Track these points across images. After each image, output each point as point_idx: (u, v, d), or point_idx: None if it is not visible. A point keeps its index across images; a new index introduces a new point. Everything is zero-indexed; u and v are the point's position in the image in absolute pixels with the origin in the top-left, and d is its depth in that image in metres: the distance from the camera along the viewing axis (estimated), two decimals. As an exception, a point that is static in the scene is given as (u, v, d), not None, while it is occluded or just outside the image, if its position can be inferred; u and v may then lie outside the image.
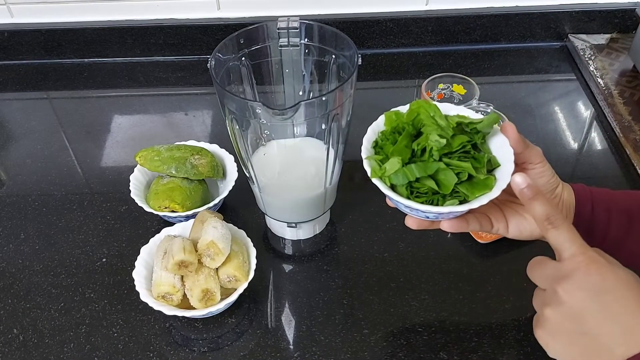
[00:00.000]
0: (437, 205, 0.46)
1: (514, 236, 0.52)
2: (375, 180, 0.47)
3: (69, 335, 0.67)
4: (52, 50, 1.08)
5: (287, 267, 0.74)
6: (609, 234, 0.53)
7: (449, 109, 0.49)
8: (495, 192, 0.46)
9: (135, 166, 0.78)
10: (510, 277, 0.71)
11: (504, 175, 0.46)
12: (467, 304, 0.68)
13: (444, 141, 0.45)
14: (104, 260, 0.75)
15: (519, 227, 0.52)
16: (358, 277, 0.72)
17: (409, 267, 0.73)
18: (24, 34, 1.06)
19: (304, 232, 0.76)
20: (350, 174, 0.85)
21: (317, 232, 0.77)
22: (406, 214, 0.51)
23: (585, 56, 1.03)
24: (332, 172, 0.69)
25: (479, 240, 0.74)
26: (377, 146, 0.49)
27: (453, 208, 0.46)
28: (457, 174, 0.46)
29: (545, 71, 1.04)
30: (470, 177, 0.46)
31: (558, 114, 0.95)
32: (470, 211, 0.49)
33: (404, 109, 0.50)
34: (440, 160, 0.46)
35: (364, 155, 0.49)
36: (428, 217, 0.49)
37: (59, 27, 1.06)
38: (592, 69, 1.00)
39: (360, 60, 0.61)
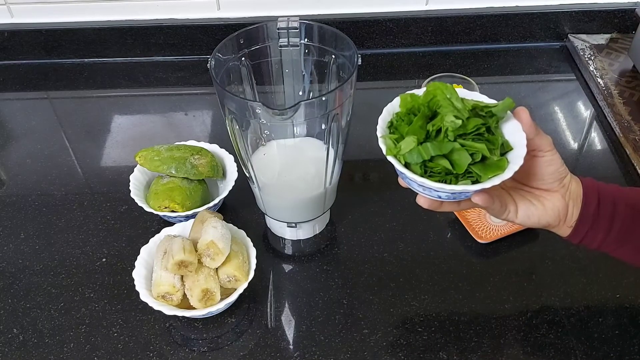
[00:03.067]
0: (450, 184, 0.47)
1: (522, 222, 0.53)
2: (390, 158, 0.48)
3: (69, 335, 0.67)
4: (52, 50, 1.08)
5: (287, 267, 0.74)
6: (614, 228, 0.53)
7: (465, 94, 0.50)
8: (507, 174, 0.46)
9: (135, 166, 0.78)
10: (510, 277, 0.71)
11: (517, 158, 0.47)
12: (467, 304, 0.68)
13: (459, 122, 0.46)
14: (104, 260, 0.75)
15: (527, 212, 0.53)
16: (358, 277, 0.72)
17: (409, 267, 0.73)
18: (24, 34, 1.06)
19: (304, 232, 0.76)
20: (350, 174, 0.85)
21: (317, 232, 0.77)
22: (417, 194, 0.51)
23: (585, 56, 1.03)
24: (332, 172, 0.69)
25: (479, 240, 0.74)
26: (391, 126, 0.50)
27: (466, 187, 0.46)
28: (471, 155, 0.46)
29: (545, 71, 1.04)
30: (483, 158, 0.47)
31: (558, 114, 0.95)
32: (493, 192, 0.50)
33: (419, 91, 0.50)
34: (454, 141, 0.46)
35: (379, 134, 0.49)
36: (440, 197, 0.50)
37: (59, 27, 1.05)
38: (592, 69, 1.00)
39: (360, 60, 0.61)
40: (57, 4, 1.04)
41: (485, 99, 0.50)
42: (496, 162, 0.47)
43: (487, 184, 0.46)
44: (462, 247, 0.75)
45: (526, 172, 0.52)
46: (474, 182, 0.47)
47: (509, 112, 0.49)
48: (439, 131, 0.47)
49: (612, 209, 0.53)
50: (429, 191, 0.49)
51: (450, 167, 0.46)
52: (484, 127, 0.47)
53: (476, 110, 0.48)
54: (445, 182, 0.47)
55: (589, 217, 0.53)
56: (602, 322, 0.66)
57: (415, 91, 0.51)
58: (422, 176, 0.47)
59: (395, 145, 0.48)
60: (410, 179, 0.48)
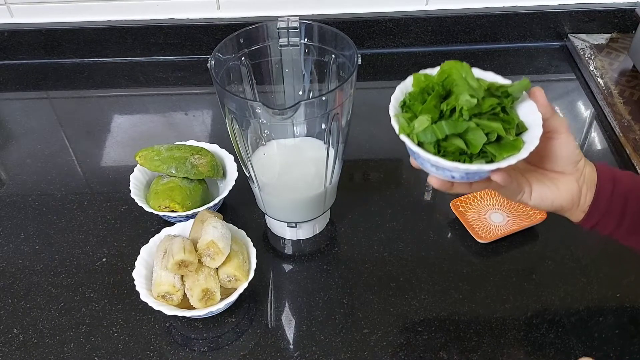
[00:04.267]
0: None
1: (536, 204, 0.53)
2: (403, 137, 0.47)
3: (69, 335, 0.67)
4: (52, 50, 1.08)
5: (287, 267, 0.74)
6: (627, 215, 0.53)
7: (480, 74, 0.50)
8: (523, 154, 0.46)
9: (135, 166, 0.78)
10: (510, 277, 0.71)
11: (533, 139, 0.46)
12: (467, 304, 0.68)
13: (474, 101, 0.45)
14: (104, 260, 0.75)
15: (541, 195, 0.52)
16: (358, 277, 0.72)
17: (409, 267, 0.73)
18: (24, 34, 1.06)
19: (304, 232, 0.76)
20: (350, 174, 0.85)
21: (317, 232, 0.77)
22: (428, 176, 0.51)
23: (585, 56, 1.03)
24: (332, 171, 0.69)
25: (479, 240, 0.74)
26: (404, 106, 0.49)
27: (481, 167, 0.46)
28: (487, 134, 0.46)
29: (545, 71, 1.04)
30: (499, 138, 0.46)
31: (558, 114, 0.95)
32: (511, 172, 0.50)
33: (432, 71, 0.50)
34: (469, 120, 0.46)
35: (392, 112, 0.48)
36: (454, 177, 0.49)
37: (59, 27, 1.06)
38: (592, 69, 1.00)
39: (360, 60, 0.61)
40: (57, 4, 1.04)
41: (501, 79, 0.49)
42: (512, 142, 0.46)
43: (502, 164, 0.45)
44: (462, 247, 0.75)
45: (540, 154, 0.51)
46: (488, 162, 0.46)
47: (524, 92, 0.49)
48: (453, 110, 0.46)
49: (625, 197, 0.52)
50: (442, 171, 0.48)
51: (464, 147, 0.46)
52: (499, 106, 0.47)
53: (491, 90, 0.48)
54: (460, 162, 0.46)
55: (602, 203, 0.52)
56: (602, 322, 0.66)
57: (429, 70, 0.50)
58: (435, 155, 0.46)
59: (408, 124, 0.47)
60: (424, 158, 0.47)
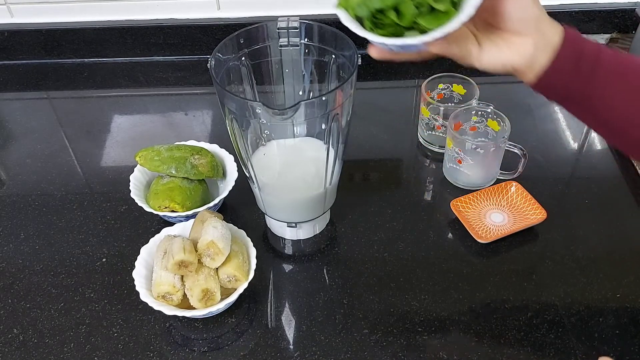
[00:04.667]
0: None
1: (487, 66, 0.51)
2: (339, 12, 0.50)
3: (69, 335, 0.67)
4: (52, 50, 1.08)
5: (287, 267, 0.74)
6: (591, 93, 0.50)
7: None
8: (454, 24, 0.46)
9: (135, 166, 0.78)
10: (510, 277, 0.71)
11: (469, 7, 0.46)
12: (467, 304, 0.68)
13: None
14: (104, 260, 0.75)
15: (490, 57, 0.50)
16: (358, 277, 0.72)
17: (409, 267, 0.73)
18: (24, 34, 1.06)
19: (304, 232, 0.76)
20: (350, 174, 0.85)
21: (317, 232, 0.77)
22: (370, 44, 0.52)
23: (585, 56, 1.03)
24: (332, 172, 0.69)
25: (479, 240, 0.74)
26: None
27: (407, 40, 0.47)
28: (417, 7, 0.46)
29: (545, 71, 1.04)
30: (433, 9, 0.47)
31: (558, 114, 0.95)
32: (450, 38, 0.49)
33: None
34: None
35: None
36: (392, 49, 0.50)
37: (59, 27, 1.06)
38: (592, 69, 1.00)
39: (360, 60, 0.61)
40: (57, 4, 1.04)
41: None
42: (444, 13, 0.46)
43: (426, 37, 0.46)
44: (462, 247, 0.75)
45: (492, 12, 0.49)
46: (422, 33, 0.47)
47: None
48: None
49: (591, 71, 0.49)
50: (377, 44, 0.50)
51: (397, 19, 0.46)
52: None
53: None
54: (395, 35, 0.47)
55: (562, 73, 0.50)
56: (602, 322, 0.66)
57: None
58: (371, 30, 0.48)
59: (346, 1, 0.49)
60: (356, 33, 0.49)
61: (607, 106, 0.51)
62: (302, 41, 0.68)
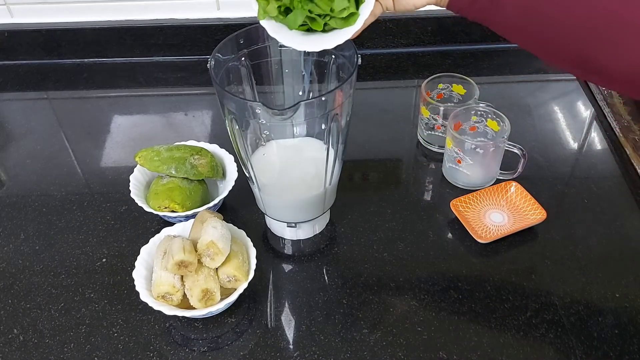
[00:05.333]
0: None
1: (404, 8, 0.57)
2: (264, 24, 0.56)
3: (69, 335, 0.67)
4: (51, 50, 1.08)
5: (287, 267, 0.74)
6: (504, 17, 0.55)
7: None
8: (356, 27, 0.53)
9: (135, 166, 0.78)
10: (510, 277, 0.71)
11: (367, 5, 0.53)
12: (466, 304, 0.68)
13: None
14: (104, 260, 0.75)
15: (404, 3, 0.56)
16: (358, 277, 0.72)
17: (409, 267, 0.73)
18: (24, 34, 1.06)
19: (303, 232, 0.76)
20: (350, 174, 0.85)
21: (317, 232, 0.77)
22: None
23: (585, 56, 1.03)
24: (332, 172, 0.69)
25: (479, 240, 0.74)
26: None
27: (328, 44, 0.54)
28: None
29: (545, 71, 1.04)
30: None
31: (557, 114, 0.95)
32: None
33: None
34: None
35: None
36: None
37: (59, 27, 1.06)
38: (591, 69, 1.00)
39: (359, 60, 0.61)
40: (57, 4, 1.04)
41: None
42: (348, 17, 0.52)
43: (346, 35, 0.53)
44: (462, 247, 0.75)
45: None
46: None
47: None
48: None
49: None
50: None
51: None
52: None
53: None
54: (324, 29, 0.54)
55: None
56: (602, 321, 0.66)
57: None
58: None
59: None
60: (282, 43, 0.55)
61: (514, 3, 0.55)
62: (302, 41, 0.68)
